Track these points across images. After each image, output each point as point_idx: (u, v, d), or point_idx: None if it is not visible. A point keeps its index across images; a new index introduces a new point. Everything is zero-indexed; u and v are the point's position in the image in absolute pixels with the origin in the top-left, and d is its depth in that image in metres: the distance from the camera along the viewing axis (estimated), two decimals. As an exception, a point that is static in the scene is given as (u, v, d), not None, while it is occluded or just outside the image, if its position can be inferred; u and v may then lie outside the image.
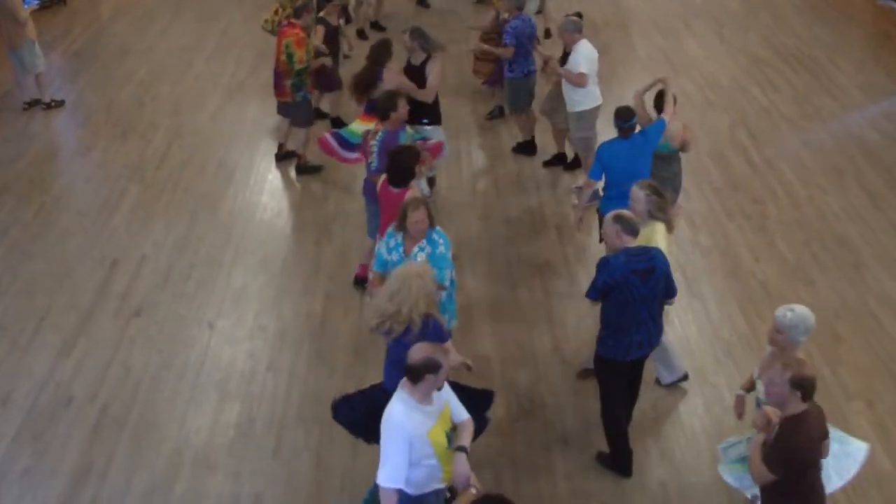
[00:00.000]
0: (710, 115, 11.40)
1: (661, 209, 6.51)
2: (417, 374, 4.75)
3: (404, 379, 4.83)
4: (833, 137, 10.92)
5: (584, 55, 8.95)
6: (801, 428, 4.79)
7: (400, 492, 4.85)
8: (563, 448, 6.66)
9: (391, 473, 4.69)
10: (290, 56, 9.47)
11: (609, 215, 6.03)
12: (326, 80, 10.39)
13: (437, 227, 6.41)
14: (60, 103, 11.62)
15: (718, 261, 8.70)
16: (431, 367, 4.74)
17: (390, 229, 6.50)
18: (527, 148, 10.43)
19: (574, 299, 8.10)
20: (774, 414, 4.98)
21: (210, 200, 9.65)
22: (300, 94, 9.75)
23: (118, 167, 10.24)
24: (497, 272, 8.54)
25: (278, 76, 9.76)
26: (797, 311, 5.40)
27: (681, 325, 7.87)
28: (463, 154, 10.55)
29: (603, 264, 5.90)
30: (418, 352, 4.77)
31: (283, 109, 10.06)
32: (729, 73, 12.56)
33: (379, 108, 7.71)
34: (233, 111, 11.49)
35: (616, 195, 7.28)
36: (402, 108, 7.62)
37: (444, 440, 4.91)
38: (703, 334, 7.77)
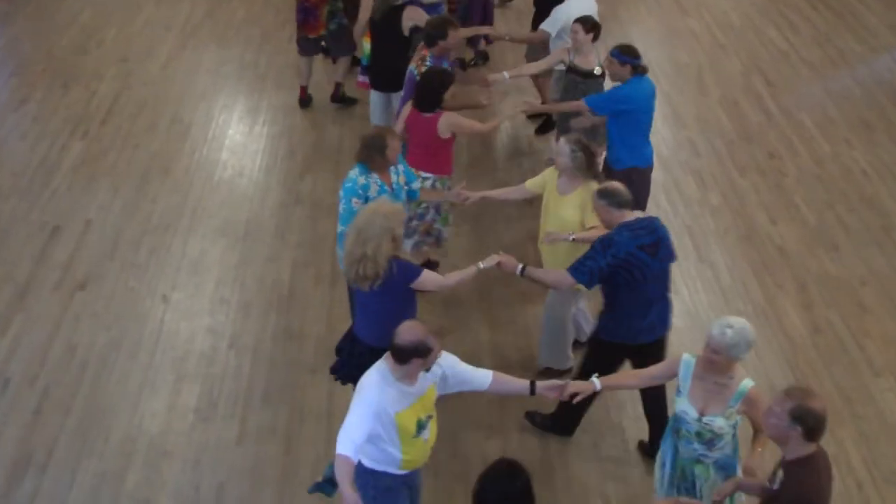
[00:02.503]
0: (720, 59, 11.36)
1: (589, 166, 6.44)
2: (404, 356, 4.75)
3: (388, 353, 4.82)
4: (860, 85, 10.90)
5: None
6: (809, 476, 4.34)
7: (359, 464, 4.92)
8: (562, 445, 6.70)
9: (344, 440, 4.71)
10: None
11: (594, 192, 5.96)
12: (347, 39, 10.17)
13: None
14: (-8, 50, 11.46)
15: (730, 222, 8.70)
16: (421, 350, 4.74)
17: (358, 174, 6.46)
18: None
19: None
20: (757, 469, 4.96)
21: (163, 158, 9.57)
22: (335, 20, 9.83)
23: (58, 122, 10.12)
24: (485, 233, 8.54)
25: (307, 10, 9.82)
26: (736, 328, 4.93)
27: (689, 294, 7.88)
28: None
29: (606, 244, 5.75)
30: (408, 332, 4.75)
31: (310, 47, 10.10)
32: (742, 12, 12.50)
33: (427, 35, 7.88)
34: (188, 59, 11.36)
35: (640, 142, 7.43)
36: (452, 38, 7.82)
37: (412, 427, 4.91)
38: (714, 305, 7.78)
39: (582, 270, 5.79)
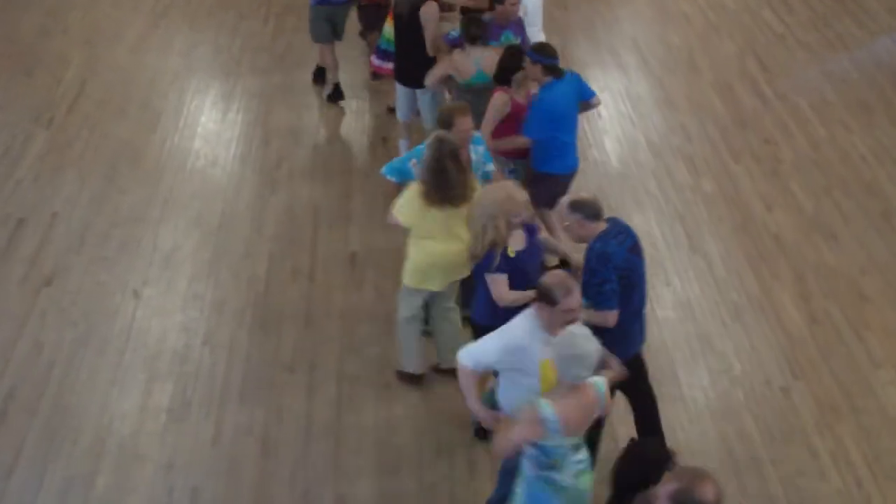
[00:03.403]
0: (713, 41, 11.37)
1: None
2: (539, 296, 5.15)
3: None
4: (858, 68, 10.93)
5: None
6: None
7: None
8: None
9: (471, 351, 5.37)
10: None
11: (564, 205, 5.78)
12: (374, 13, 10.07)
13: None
14: (-49, 34, 11.37)
15: (724, 210, 8.71)
16: (545, 296, 5.08)
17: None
18: None
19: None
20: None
21: (132, 148, 9.51)
22: None
23: (21, 109, 10.05)
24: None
25: None
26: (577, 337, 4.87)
27: (681, 284, 7.89)
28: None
29: (603, 259, 5.59)
30: (550, 277, 5.16)
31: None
32: (737, -7, 12.52)
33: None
34: (158, 41, 11.29)
35: (557, 152, 7.37)
36: (510, 4, 7.98)
37: (552, 377, 5.10)
38: (708, 295, 7.80)
39: (609, 297, 5.60)
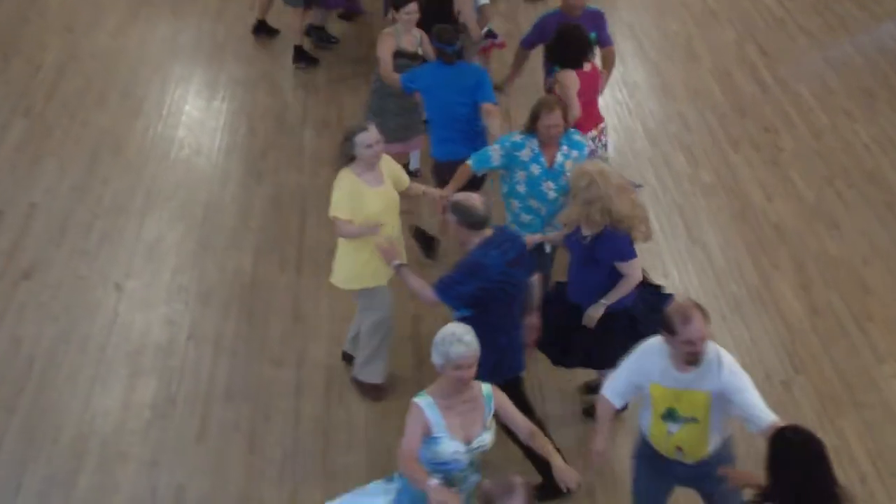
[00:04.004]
0: (712, 26, 11.36)
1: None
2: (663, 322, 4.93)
3: None
4: (861, 53, 10.93)
5: None
6: None
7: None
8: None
9: (608, 382, 5.28)
10: None
11: (450, 205, 5.76)
12: None
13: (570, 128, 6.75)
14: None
15: (724, 200, 8.72)
16: (666, 325, 4.84)
17: (519, 133, 6.67)
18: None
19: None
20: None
21: (114, 136, 9.48)
22: None
23: (-2, 97, 10.04)
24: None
25: None
26: (469, 335, 4.84)
27: (679, 276, 7.90)
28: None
29: (474, 269, 5.57)
30: (673, 304, 4.96)
31: None
32: (735, -23, 12.51)
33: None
34: (140, 27, 11.25)
35: (444, 136, 7.44)
36: None
37: (660, 407, 5.02)
38: (706, 287, 7.80)
39: (448, 293, 5.65)
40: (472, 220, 5.59)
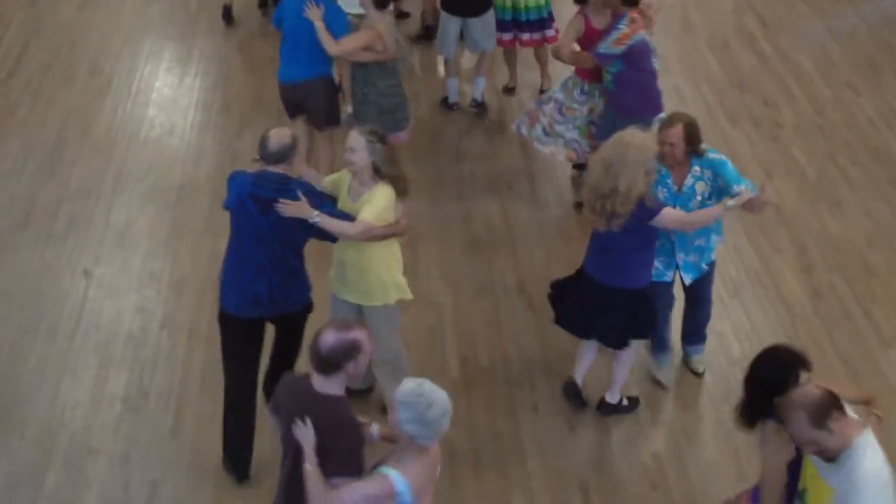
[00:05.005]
0: (710, -4, 11.38)
1: (391, 161, 5.89)
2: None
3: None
4: (866, 23, 10.94)
5: None
6: None
7: None
8: (531, 414, 6.72)
9: None
10: None
11: None
12: None
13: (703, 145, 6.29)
14: None
15: (723, 178, 8.72)
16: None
17: None
18: None
19: (543, 227, 8.12)
20: None
21: (81, 115, 9.47)
22: None
23: (-42, 75, 9.99)
24: (447, 193, 8.53)
25: None
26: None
27: (677, 259, 7.90)
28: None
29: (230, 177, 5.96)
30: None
31: None
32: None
33: None
34: None
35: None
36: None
37: (801, 485, 4.76)
38: (705, 270, 7.82)
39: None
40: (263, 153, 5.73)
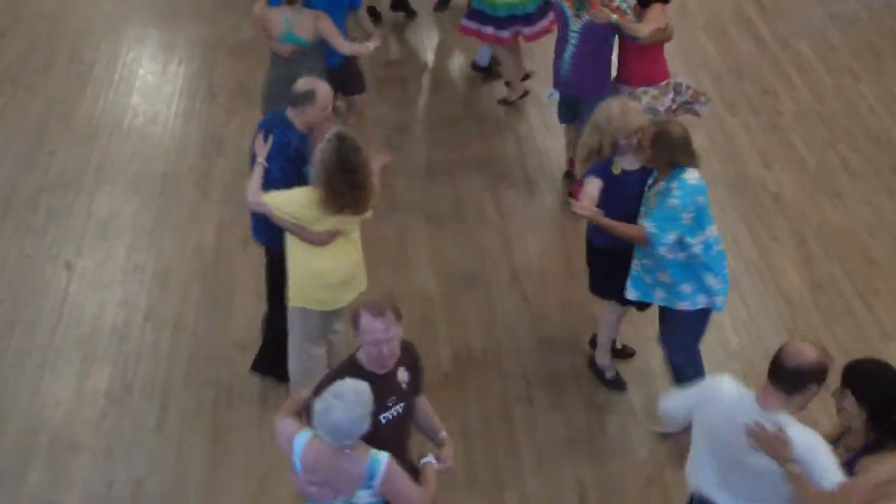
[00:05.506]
0: (708, -19, 11.37)
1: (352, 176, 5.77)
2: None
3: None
4: (867, 7, 10.95)
5: None
6: None
7: None
8: (525, 408, 6.72)
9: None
10: None
11: None
12: None
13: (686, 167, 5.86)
14: None
15: (719, 168, 8.71)
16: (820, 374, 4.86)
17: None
18: None
19: (537, 218, 8.11)
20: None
21: (62, 104, 9.46)
22: None
23: (-65, 63, 9.97)
24: (438, 184, 8.52)
25: None
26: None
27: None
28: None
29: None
30: (810, 353, 4.80)
31: None
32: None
33: None
34: (88, -15, 11.20)
35: None
36: None
37: None
38: (703, 261, 7.82)
39: None
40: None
